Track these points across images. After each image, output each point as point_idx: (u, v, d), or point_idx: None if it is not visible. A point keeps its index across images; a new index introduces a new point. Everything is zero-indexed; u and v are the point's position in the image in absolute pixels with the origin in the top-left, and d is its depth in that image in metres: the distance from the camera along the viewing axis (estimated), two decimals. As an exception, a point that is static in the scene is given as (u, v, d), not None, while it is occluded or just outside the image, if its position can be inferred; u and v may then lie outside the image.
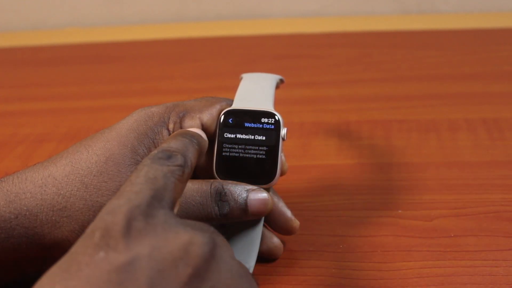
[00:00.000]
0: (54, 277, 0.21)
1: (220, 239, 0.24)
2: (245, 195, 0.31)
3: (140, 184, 0.24)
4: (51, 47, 0.82)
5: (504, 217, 0.38)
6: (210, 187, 0.31)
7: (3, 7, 0.91)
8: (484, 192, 0.41)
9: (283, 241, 0.35)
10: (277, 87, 0.37)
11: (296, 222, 0.34)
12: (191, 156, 0.27)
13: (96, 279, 0.20)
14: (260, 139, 0.33)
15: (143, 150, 0.31)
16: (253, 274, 0.33)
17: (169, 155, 0.26)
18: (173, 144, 0.27)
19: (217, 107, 0.34)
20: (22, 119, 0.58)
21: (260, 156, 0.32)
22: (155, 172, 0.25)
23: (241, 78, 0.37)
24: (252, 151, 0.33)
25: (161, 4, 0.89)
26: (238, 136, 0.33)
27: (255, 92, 0.35)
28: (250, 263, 0.33)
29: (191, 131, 0.30)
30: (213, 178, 0.33)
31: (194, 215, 0.30)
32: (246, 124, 0.33)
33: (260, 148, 0.33)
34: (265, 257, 0.35)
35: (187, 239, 0.22)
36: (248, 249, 0.33)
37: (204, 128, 0.33)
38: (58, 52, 0.79)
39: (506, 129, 0.49)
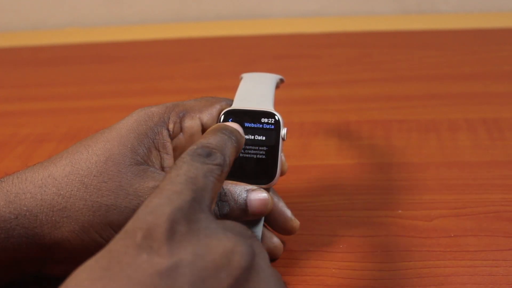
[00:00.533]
0: (93, 273, 0.21)
1: (258, 246, 0.24)
2: (245, 195, 0.31)
3: (180, 183, 0.24)
4: (51, 47, 0.82)
5: (504, 217, 0.38)
6: (210, 187, 0.31)
7: (3, 7, 0.91)
8: (484, 192, 0.41)
9: (283, 241, 0.35)
10: (277, 86, 0.37)
11: (296, 222, 0.34)
12: (229, 154, 0.27)
13: (138, 282, 0.20)
14: (260, 139, 0.33)
15: (143, 150, 0.31)
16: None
17: (208, 153, 0.26)
18: (213, 140, 0.27)
19: (217, 107, 0.34)
20: (22, 119, 0.58)
21: (260, 156, 0.32)
22: (195, 171, 0.24)
23: (241, 78, 0.37)
24: (252, 151, 0.33)
25: (161, 4, 0.89)
26: (238, 136, 0.33)
27: (255, 92, 0.35)
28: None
29: (230, 126, 0.30)
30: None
31: (194, 215, 0.30)
32: (246, 124, 0.33)
33: (260, 148, 0.33)
34: (265, 257, 0.35)
35: (229, 247, 0.22)
36: (248, 249, 0.33)
37: (204, 128, 0.33)
38: (58, 52, 0.79)
39: (506, 129, 0.49)
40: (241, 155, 0.33)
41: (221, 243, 0.22)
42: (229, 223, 0.24)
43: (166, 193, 0.23)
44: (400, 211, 0.39)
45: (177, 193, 0.23)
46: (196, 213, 0.23)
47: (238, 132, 0.30)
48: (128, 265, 0.21)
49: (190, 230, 0.22)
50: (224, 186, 0.31)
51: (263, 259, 0.23)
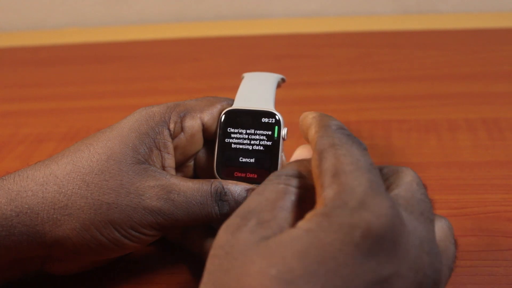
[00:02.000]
0: (307, 264, 0.20)
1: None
2: (245, 194, 0.31)
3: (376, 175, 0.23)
4: (51, 47, 0.82)
5: (504, 217, 0.38)
6: (211, 187, 0.31)
7: (3, 7, 0.91)
8: (484, 192, 0.41)
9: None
10: (279, 86, 0.37)
11: (296, 222, 0.34)
12: None
13: (354, 286, 0.19)
14: (261, 139, 0.33)
15: (144, 149, 0.31)
16: None
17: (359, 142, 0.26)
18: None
19: (218, 107, 0.34)
20: (22, 119, 0.58)
21: (261, 156, 0.32)
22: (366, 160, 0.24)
23: (243, 77, 0.37)
24: (253, 151, 0.33)
25: (161, 4, 0.89)
26: (239, 136, 0.33)
27: (256, 91, 0.35)
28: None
29: None
30: (214, 177, 0.33)
31: (194, 214, 0.30)
32: (247, 124, 0.33)
33: (261, 148, 0.33)
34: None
35: (439, 268, 0.22)
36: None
37: (205, 128, 0.33)
38: (58, 52, 0.79)
39: (506, 129, 0.49)
40: (241, 155, 0.33)
41: (431, 261, 0.22)
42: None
43: (371, 181, 0.22)
44: (400, 211, 0.39)
45: (381, 185, 0.22)
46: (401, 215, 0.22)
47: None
48: (344, 265, 0.20)
49: (402, 235, 0.21)
50: (225, 186, 0.31)
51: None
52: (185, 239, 0.35)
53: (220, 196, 0.31)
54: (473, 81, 0.59)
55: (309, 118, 0.27)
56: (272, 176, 0.25)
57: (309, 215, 0.22)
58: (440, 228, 0.25)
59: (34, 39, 0.85)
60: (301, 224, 0.22)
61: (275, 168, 0.32)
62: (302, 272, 0.19)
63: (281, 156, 0.33)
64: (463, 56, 0.67)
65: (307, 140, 0.27)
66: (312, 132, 0.26)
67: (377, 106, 0.55)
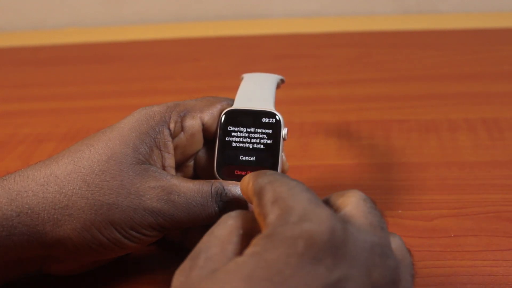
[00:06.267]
0: (252, 283, 0.20)
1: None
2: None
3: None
4: (51, 47, 0.82)
5: (504, 217, 0.38)
6: (211, 188, 0.31)
7: (3, 7, 0.91)
8: (484, 192, 0.41)
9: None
10: (278, 87, 0.37)
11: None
12: None
13: None
14: (261, 139, 0.33)
15: (144, 149, 0.31)
16: None
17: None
18: None
19: (218, 106, 0.34)
20: (22, 119, 0.58)
21: (261, 156, 0.33)
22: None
23: (242, 78, 0.37)
24: (253, 151, 0.33)
25: (161, 4, 0.89)
26: (239, 136, 0.33)
27: (256, 92, 0.35)
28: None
29: None
30: (214, 178, 0.33)
31: (194, 215, 0.30)
32: (247, 124, 0.33)
33: (261, 148, 0.33)
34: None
35: (393, 266, 0.22)
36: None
37: (205, 127, 0.33)
38: (58, 52, 0.79)
39: (506, 129, 0.49)
40: (242, 155, 0.33)
41: (389, 260, 0.22)
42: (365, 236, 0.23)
43: (310, 199, 0.23)
44: (400, 211, 0.39)
45: (319, 201, 0.23)
46: (345, 222, 0.22)
47: None
48: (291, 277, 0.20)
49: (347, 239, 0.21)
50: (225, 187, 0.31)
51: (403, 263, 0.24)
52: (185, 239, 0.35)
53: (221, 197, 0.31)
54: (473, 81, 0.60)
55: (245, 177, 0.28)
56: (223, 216, 0.26)
57: (253, 241, 0.23)
58: (393, 241, 0.25)
59: (34, 39, 0.85)
60: (247, 250, 0.22)
61: (276, 167, 0.32)
62: None
63: (282, 156, 0.33)
64: (463, 56, 0.67)
65: (249, 200, 0.28)
66: (250, 184, 0.27)
67: (377, 106, 0.55)
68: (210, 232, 0.25)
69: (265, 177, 0.26)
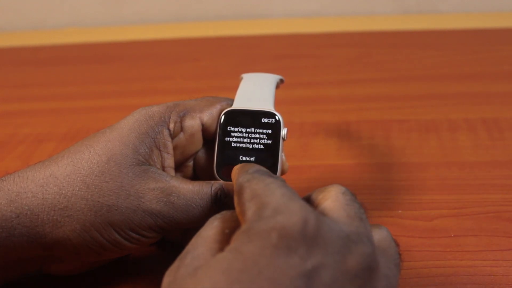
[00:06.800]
0: (230, 275, 0.21)
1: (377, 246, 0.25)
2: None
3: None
4: (51, 47, 0.82)
5: (504, 217, 0.38)
6: (211, 189, 0.31)
7: (3, 7, 0.91)
8: (484, 192, 0.41)
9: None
10: (277, 87, 0.37)
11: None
12: None
13: (280, 284, 0.20)
14: (261, 139, 0.33)
15: (144, 149, 0.31)
16: None
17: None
18: None
19: (218, 107, 0.34)
20: (22, 119, 0.58)
21: (261, 156, 0.32)
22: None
23: (241, 78, 0.37)
24: (253, 151, 0.33)
25: (161, 4, 0.89)
26: (239, 136, 0.33)
27: (255, 92, 0.35)
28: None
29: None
30: (213, 178, 0.33)
31: (194, 217, 0.30)
32: (247, 124, 0.33)
33: (261, 148, 0.33)
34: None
35: (369, 252, 0.22)
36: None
37: (204, 128, 0.33)
38: (58, 52, 0.79)
39: (506, 129, 0.49)
40: (241, 155, 0.33)
41: (359, 248, 0.22)
42: (347, 221, 0.24)
43: (284, 194, 0.23)
44: (400, 211, 0.39)
45: (294, 195, 0.24)
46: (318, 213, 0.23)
47: None
48: (266, 267, 0.21)
49: (320, 229, 0.22)
50: (225, 188, 0.31)
51: (384, 257, 0.25)
52: (185, 239, 0.35)
53: (221, 198, 0.31)
54: (473, 81, 0.60)
55: (234, 169, 0.29)
56: (210, 218, 0.27)
57: (233, 237, 0.23)
58: (378, 232, 0.26)
59: (34, 39, 0.85)
60: (227, 247, 0.23)
61: (275, 167, 0.32)
62: (226, 285, 0.20)
63: (281, 156, 0.33)
64: (463, 56, 0.67)
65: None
66: (233, 180, 0.27)
67: (377, 106, 0.55)
68: (198, 234, 0.26)
69: (245, 176, 0.26)
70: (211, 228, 0.26)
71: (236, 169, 0.29)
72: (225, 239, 0.25)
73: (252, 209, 0.24)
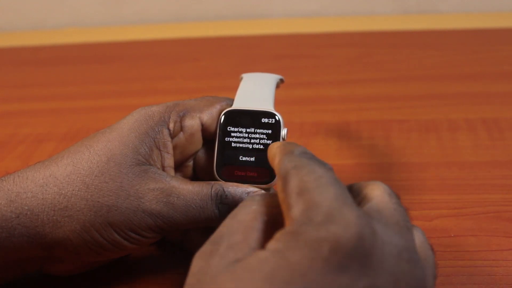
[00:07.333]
0: (273, 284, 0.19)
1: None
2: (245, 197, 0.31)
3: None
4: (51, 47, 0.82)
5: (504, 217, 0.38)
6: (211, 190, 0.31)
7: (3, 7, 0.91)
8: (484, 192, 0.41)
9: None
10: (277, 87, 0.37)
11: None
12: None
13: None
14: (261, 139, 0.33)
15: (144, 149, 0.31)
16: None
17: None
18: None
19: (217, 107, 0.34)
20: (22, 119, 0.58)
21: (261, 156, 0.32)
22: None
23: (241, 78, 0.37)
24: (253, 151, 0.33)
25: (161, 4, 0.89)
26: (239, 136, 0.33)
27: (255, 92, 0.35)
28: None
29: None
30: (213, 178, 0.33)
31: (194, 218, 0.30)
32: (247, 124, 0.33)
33: (261, 148, 0.33)
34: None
35: (420, 276, 0.21)
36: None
37: (204, 127, 0.33)
38: (58, 52, 0.79)
39: (506, 129, 0.49)
40: (241, 155, 0.33)
41: (412, 271, 0.21)
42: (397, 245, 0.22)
43: (337, 194, 0.21)
44: (400, 211, 0.39)
45: (347, 198, 0.22)
46: (375, 226, 0.21)
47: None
48: (314, 282, 0.19)
49: (375, 246, 0.20)
50: (225, 188, 0.31)
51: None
52: (185, 239, 0.35)
53: (221, 199, 0.31)
54: (473, 81, 0.59)
55: (274, 148, 0.27)
56: (246, 199, 0.25)
57: (277, 235, 0.22)
58: (416, 236, 0.24)
59: (34, 39, 0.85)
60: (269, 245, 0.21)
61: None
62: None
63: (281, 156, 0.33)
64: (463, 56, 0.67)
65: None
66: (276, 161, 0.26)
67: (377, 106, 0.55)
68: (233, 215, 0.24)
69: (291, 159, 0.24)
70: (248, 213, 0.24)
71: (276, 147, 0.27)
72: (264, 228, 0.23)
73: (301, 207, 0.22)
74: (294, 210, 0.22)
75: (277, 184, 0.25)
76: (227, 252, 0.22)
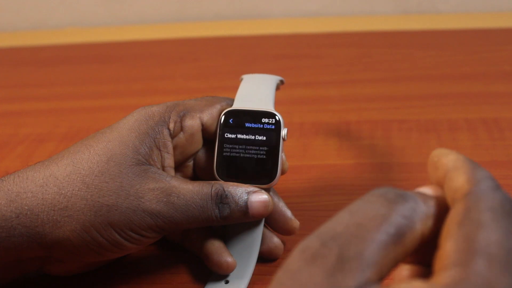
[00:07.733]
0: None
1: None
2: (245, 197, 0.31)
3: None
4: (51, 47, 0.81)
5: (504, 217, 0.38)
6: (211, 190, 0.31)
7: (3, 7, 0.91)
8: (484, 192, 0.40)
9: (283, 241, 0.35)
10: (277, 88, 0.37)
11: (296, 222, 0.34)
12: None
13: None
14: (261, 139, 0.33)
15: (144, 149, 0.31)
16: (253, 274, 0.33)
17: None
18: None
19: (218, 107, 0.34)
20: (22, 119, 0.58)
21: (261, 156, 0.33)
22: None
23: (241, 79, 0.37)
24: (253, 151, 0.33)
25: (161, 4, 0.89)
26: (239, 136, 0.33)
27: (256, 92, 0.35)
28: (251, 263, 0.33)
29: None
30: (213, 178, 0.33)
31: (194, 217, 0.30)
32: (247, 124, 0.33)
33: (261, 148, 0.33)
34: (265, 257, 0.35)
35: None
36: (248, 250, 0.33)
37: (204, 127, 0.33)
38: (58, 52, 0.79)
39: (506, 129, 0.49)
40: (242, 155, 0.33)
41: None
42: None
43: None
44: (400, 211, 0.39)
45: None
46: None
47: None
48: None
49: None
50: (225, 188, 0.31)
51: None
52: (185, 239, 0.35)
53: (221, 199, 0.31)
54: (473, 81, 0.59)
55: (450, 159, 0.23)
56: (375, 194, 0.21)
57: (438, 277, 0.18)
58: None
59: (34, 39, 0.85)
60: (429, 283, 0.18)
61: (276, 167, 0.32)
62: None
63: (281, 156, 0.33)
64: (463, 56, 0.67)
65: (437, 181, 0.23)
66: (460, 180, 0.22)
67: (377, 106, 0.55)
68: (354, 210, 0.20)
69: (487, 202, 0.20)
70: (373, 217, 0.19)
71: (457, 160, 0.22)
72: (387, 247, 0.19)
73: (480, 263, 0.18)
74: (463, 259, 0.18)
75: (453, 211, 0.20)
76: (334, 270, 0.18)
